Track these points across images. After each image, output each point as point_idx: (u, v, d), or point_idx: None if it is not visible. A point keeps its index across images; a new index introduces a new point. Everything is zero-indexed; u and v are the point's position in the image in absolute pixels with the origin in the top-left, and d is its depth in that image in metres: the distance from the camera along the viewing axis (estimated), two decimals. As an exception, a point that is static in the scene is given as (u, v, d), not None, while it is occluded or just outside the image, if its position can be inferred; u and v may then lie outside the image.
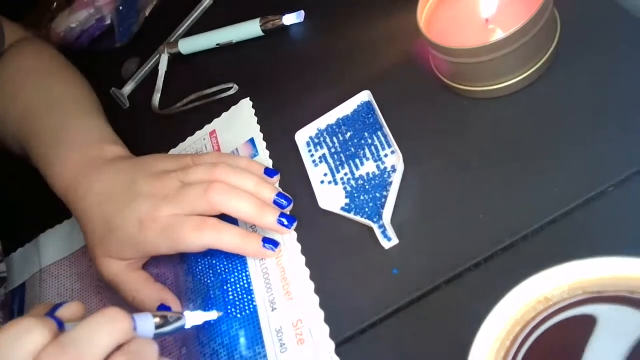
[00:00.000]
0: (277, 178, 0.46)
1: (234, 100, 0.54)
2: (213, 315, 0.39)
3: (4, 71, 0.56)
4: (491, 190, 0.37)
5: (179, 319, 0.35)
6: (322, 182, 0.44)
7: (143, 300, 0.43)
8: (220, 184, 0.41)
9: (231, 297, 0.41)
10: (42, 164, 0.50)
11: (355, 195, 0.42)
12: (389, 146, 0.43)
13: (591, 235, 0.33)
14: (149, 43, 0.68)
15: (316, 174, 0.45)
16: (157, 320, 0.33)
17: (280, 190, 0.44)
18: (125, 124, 0.57)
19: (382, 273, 0.37)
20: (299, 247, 0.42)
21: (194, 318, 0.37)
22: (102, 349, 0.27)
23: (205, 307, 0.41)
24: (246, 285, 0.42)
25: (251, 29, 0.58)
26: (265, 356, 0.38)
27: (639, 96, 0.35)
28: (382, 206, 0.40)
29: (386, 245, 0.38)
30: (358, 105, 0.46)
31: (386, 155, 0.42)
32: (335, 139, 0.46)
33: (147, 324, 0.32)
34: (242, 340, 0.39)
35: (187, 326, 0.36)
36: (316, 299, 0.38)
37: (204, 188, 0.41)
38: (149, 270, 0.46)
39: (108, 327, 0.28)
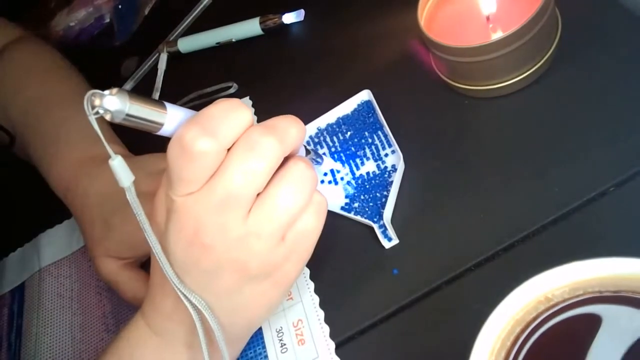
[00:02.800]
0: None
1: (233, 99, 0.54)
2: (338, 166, 0.43)
3: (2, 70, 0.56)
4: (491, 190, 0.37)
5: (318, 159, 0.39)
6: (322, 181, 0.44)
7: (142, 299, 0.43)
8: None
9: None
10: (42, 163, 0.50)
11: (356, 194, 0.41)
12: (389, 145, 0.43)
13: (591, 235, 0.33)
14: (148, 42, 0.67)
15: (316, 173, 0.44)
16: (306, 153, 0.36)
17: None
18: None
19: (382, 273, 0.37)
20: (298, 246, 0.41)
21: (327, 162, 0.40)
22: (294, 141, 0.30)
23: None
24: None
25: (251, 27, 0.57)
26: (265, 356, 0.38)
27: (639, 96, 0.35)
28: (383, 206, 0.40)
29: (386, 244, 0.38)
30: (358, 104, 0.46)
31: (386, 155, 0.42)
32: (335, 138, 0.46)
33: (301, 151, 0.35)
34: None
35: (323, 169, 0.41)
36: (316, 299, 0.38)
37: None
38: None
39: (298, 126, 0.30)
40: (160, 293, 0.33)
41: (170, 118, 0.28)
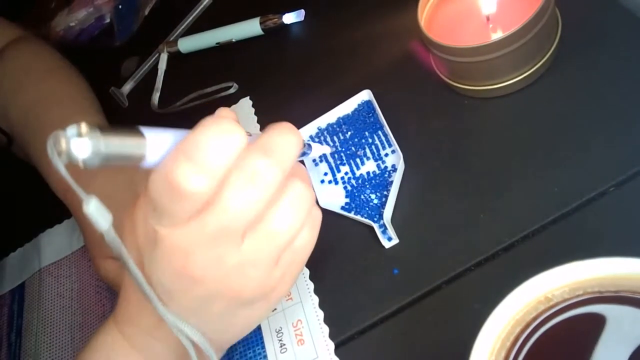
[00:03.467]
0: None
1: (233, 99, 0.54)
2: (327, 149, 0.40)
3: (2, 70, 0.56)
4: (491, 190, 0.37)
5: (307, 151, 0.36)
6: (322, 181, 0.44)
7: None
8: None
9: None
10: (41, 163, 0.50)
11: (356, 194, 0.41)
12: (390, 145, 0.43)
13: (591, 235, 0.33)
14: (148, 42, 0.67)
15: (316, 173, 0.45)
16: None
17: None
18: (124, 122, 0.57)
19: (382, 273, 0.37)
20: (298, 246, 0.41)
21: (315, 148, 0.37)
22: (293, 157, 0.27)
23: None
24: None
25: (251, 27, 0.57)
26: (265, 356, 0.38)
27: (639, 96, 0.35)
28: (383, 205, 0.40)
29: (386, 244, 0.38)
30: (358, 104, 0.46)
31: (386, 155, 0.42)
32: (335, 138, 0.46)
33: None
34: (242, 341, 0.39)
35: (312, 156, 0.37)
36: (316, 299, 0.38)
37: None
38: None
39: (295, 138, 0.28)
40: (138, 307, 0.31)
41: (151, 150, 0.24)
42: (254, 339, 0.39)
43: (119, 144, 0.23)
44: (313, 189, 0.30)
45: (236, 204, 0.25)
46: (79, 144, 0.21)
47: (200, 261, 0.27)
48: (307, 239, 0.29)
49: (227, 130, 0.25)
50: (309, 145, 0.37)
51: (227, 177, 0.26)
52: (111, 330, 0.32)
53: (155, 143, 0.25)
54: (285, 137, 0.27)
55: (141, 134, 0.24)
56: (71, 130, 0.22)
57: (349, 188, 0.42)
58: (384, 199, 0.40)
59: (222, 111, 0.29)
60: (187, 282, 0.27)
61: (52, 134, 0.22)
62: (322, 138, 0.46)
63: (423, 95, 0.43)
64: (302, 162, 0.45)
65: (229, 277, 0.27)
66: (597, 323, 0.23)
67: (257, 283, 0.28)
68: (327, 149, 0.41)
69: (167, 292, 0.28)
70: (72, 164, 0.23)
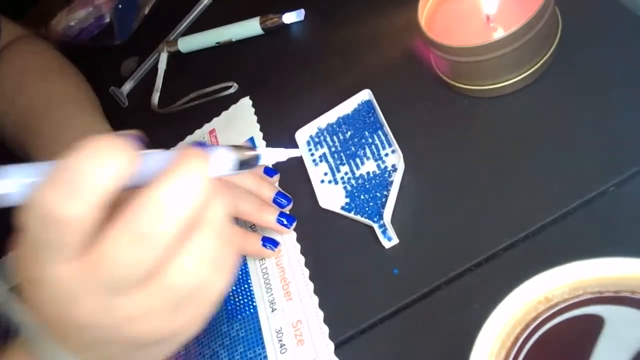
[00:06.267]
0: (276, 177, 0.46)
1: (233, 99, 0.54)
2: (296, 152, 0.32)
3: (2, 70, 0.56)
4: (491, 190, 0.37)
5: (253, 156, 0.29)
6: (322, 181, 0.44)
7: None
8: None
9: (231, 298, 0.41)
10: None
11: (356, 194, 0.41)
12: (390, 145, 0.42)
13: (591, 235, 0.33)
14: (148, 41, 0.67)
15: (316, 173, 0.45)
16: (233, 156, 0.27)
17: (280, 189, 0.44)
18: (124, 122, 0.57)
19: (382, 273, 0.37)
20: (298, 247, 0.42)
21: (271, 154, 0.30)
22: (194, 205, 0.23)
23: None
24: (246, 286, 0.42)
25: (251, 27, 0.57)
26: (265, 357, 0.38)
27: (639, 96, 0.35)
28: (383, 205, 0.40)
29: (386, 244, 0.38)
30: (358, 104, 0.46)
31: (386, 154, 0.42)
32: (335, 138, 0.45)
33: (219, 168, 0.27)
34: (242, 341, 0.39)
35: (265, 162, 0.30)
36: (316, 299, 0.38)
37: None
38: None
39: (196, 175, 0.23)
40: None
41: (8, 185, 0.23)
42: (254, 339, 0.39)
43: None
44: (229, 236, 0.26)
45: (121, 261, 0.23)
46: None
47: (87, 307, 0.24)
48: (213, 288, 0.26)
49: (104, 154, 0.22)
50: (257, 157, 0.29)
51: (111, 229, 0.23)
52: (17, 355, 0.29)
53: (18, 179, 0.23)
54: (185, 180, 0.23)
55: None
56: None
57: (349, 188, 0.42)
58: (384, 199, 0.40)
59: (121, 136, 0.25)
60: (73, 328, 0.25)
61: None
62: (322, 138, 0.46)
63: (423, 95, 0.43)
64: (302, 164, 0.45)
65: (120, 326, 0.25)
66: (595, 324, 0.23)
67: (154, 331, 0.26)
68: (296, 152, 0.33)
69: (55, 333, 0.26)
70: None
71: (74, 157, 0.22)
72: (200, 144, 0.30)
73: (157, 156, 0.24)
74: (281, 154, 0.31)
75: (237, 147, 0.28)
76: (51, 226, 0.22)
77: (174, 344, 0.28)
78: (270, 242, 0.41)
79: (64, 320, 0.25)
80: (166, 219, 0.23)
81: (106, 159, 0.22)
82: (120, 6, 0.72)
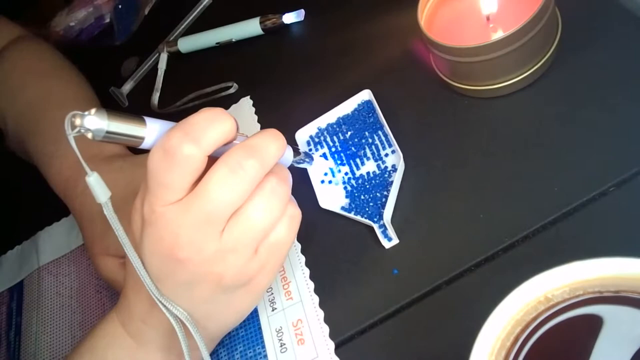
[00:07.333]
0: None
1: (233, 99, 0.54)
2: (331, 164, 0.43)
3: (2, 70, 0.56)
4: (491, 190, 0.37)
5: (307, 159, 0.41)
6: (322, 181, 0.44)
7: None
8: None
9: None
10: (41, 162, 0.50)
11: (356, 194, 0.41)
12: (390, 145, 0.43)
13: (591, 235, 0.33)
14: (148, 41, 0.67)
15: (316, 173, 0.45)
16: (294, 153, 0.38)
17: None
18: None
19: (382, 273, 0.37)
20: (298, 246, 0.42)
21: (318, 162, 0.42)
22: (274, 159, 0.31)
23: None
24: (246, 285, 0.42)
25: (251, 27, 0.57)
26: (265, 356, 0.38)
27: (639, 96, 0.35)
28: (383, 206, 0.40)
29: (386, 244, 0.38)
30: (358, 104, 0.46)
31: (386, 155, 0.42)
32: (335, 138, 0.46)
33: (287, 153, 0.37)
34: (242, 340, 0.39)
35: (310, 165, 0.41)
36: (316, 299, 0.38)
37: None
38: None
39: (278, 142, 0.31)
40: (134, 296, 0.34)
41: (150, 131, 0.29)
42: (254, 338, 0.39)
43: (122, 125, 0.28)
44: (289, 187, 0.32)
45: (218, 192, 0.29)
46: (90, 119, 0.26)
47: (186, 244, 0.29)
48: (282, 233, 0.32)
49: (219, 115, 0.29)
50: (311, 157, 0.41)
51: (215, 167, 0.29)
52: (112, 319, 0.35)
53: (154, 128, 0.29)
54: (268, 140, 0.31)
55: (142, 120, 0.29)
56: (86, 112, 0.27)
57: (349, 188, 0.42)
58: (384, 199, 0.40)
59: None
60: (172, 264, 0.30)
61: (70, 113, 0.26)
62: (322, 138, 0.46)
63: (423, 95, 0.43)
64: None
65: (209, 262, 0.30)
66: (595, 324, 0.23)
67: (236, 270, 0.31)
68: (331, 164, 0.44)
69: (156, 275, 0.31)
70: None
71: (197, 115, 0.29)
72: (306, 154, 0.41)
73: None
74: (325, 165, 0.43)
75: (296, 148, 0.38)
76: (169, 164, 0.28)
77: (250, 294, 0.33)
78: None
79: (165, 258, 0.30)
80: (255, 156, 0.29)
81: (220, 121, 0.29)
82: (120, 6, 0.72)
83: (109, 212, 0.29)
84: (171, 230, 0.29)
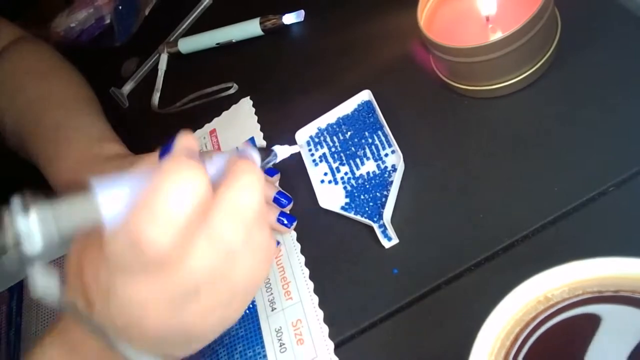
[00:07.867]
0: (277, 177, 0.46)
1: (233, 99, 0.54)
2: (296, 148, 0.37)
3: (2, 70, 0.56)
4: (491, 190, 0.37)
5: (270, 154, 0.35)
6: (322, 181, 0.44)
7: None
8: None
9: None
10: (42, 162, 0.50)
11: (356, 194, 0.41)
12: (389, 145, 0.43)
13: (590, 235, 0.33)
14: (148, 42, 0.68)
15: (316, 173, 0.45)
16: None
17: (280, 189, 0.44)
18: (124, 123, 0.57)
19: (382, 273, 0.37)
20: (298, 246, 0.42)
21: (281, 151, 0.36)
22: (255, 211, 0.27)
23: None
24: (246, 285, 0.42)
25: (251, 28, 0.58)
26: (264, 356, 0.38)
27: (639, 96, 0.35)
28: (383, 205, 0.40)
29: (386, 244, 0.38)
30: (358, 105, 0.46)
31: (386, 155, 0.42)
32: (335, 138, 0.46)
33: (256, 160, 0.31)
34: (242, 340, 0.39)
35: (277, 160, 0.36)
36: (315, 299, 0.38)
37: None
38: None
39: (255, 188, 0.27)
40: (82, 336, 0.30)
41: (106, 209, 0.25)
42: (254, 338, 0.39)
43: (69, 215, 0.24)
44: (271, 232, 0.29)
45: (201, 267, 0.26)
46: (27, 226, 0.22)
47: (158, 315, 0.26)
48: (261, 277, 0.30)
49: (187, 178, 0.25)
50: (274, 153, 0.36)
51: (190, 236, 0.25)
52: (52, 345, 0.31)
53: (109, 201, 0.25)
54: (247, 190, 0.26)
55: (91, 197, 0.25)
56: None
57: (349, 188, 0.42)
58: (384, 199, 0.40)
59: (183, 139, 0.28)
60: (140, 330, 0.27)
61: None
62: (322, 138, 0.46)
63: (423, 96, 0.43)
64: (302, 164, 0.45)
65: (186, 325, 0.27)
66: (594, 323, 0.23)
67: (214, 326, 0.29)
68: (295, 149, 0.37)
69: (119, 333, 0.28)
70: None
71: (160, 185, 0.24)
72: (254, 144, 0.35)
73: (217, 160, 0.28)
74: (288, 150, 0.36)
75: (259, 149, 0.32)
76: (138, 252, 0.24)
77: (223, 330, 0.31)
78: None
79: (130, 327, 0.27)
80: (237, 224, 0.26)
81: (189, 188, 0.25)
82: (120, 7, 0.72)
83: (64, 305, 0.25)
84: (140, 303, 0.26)
